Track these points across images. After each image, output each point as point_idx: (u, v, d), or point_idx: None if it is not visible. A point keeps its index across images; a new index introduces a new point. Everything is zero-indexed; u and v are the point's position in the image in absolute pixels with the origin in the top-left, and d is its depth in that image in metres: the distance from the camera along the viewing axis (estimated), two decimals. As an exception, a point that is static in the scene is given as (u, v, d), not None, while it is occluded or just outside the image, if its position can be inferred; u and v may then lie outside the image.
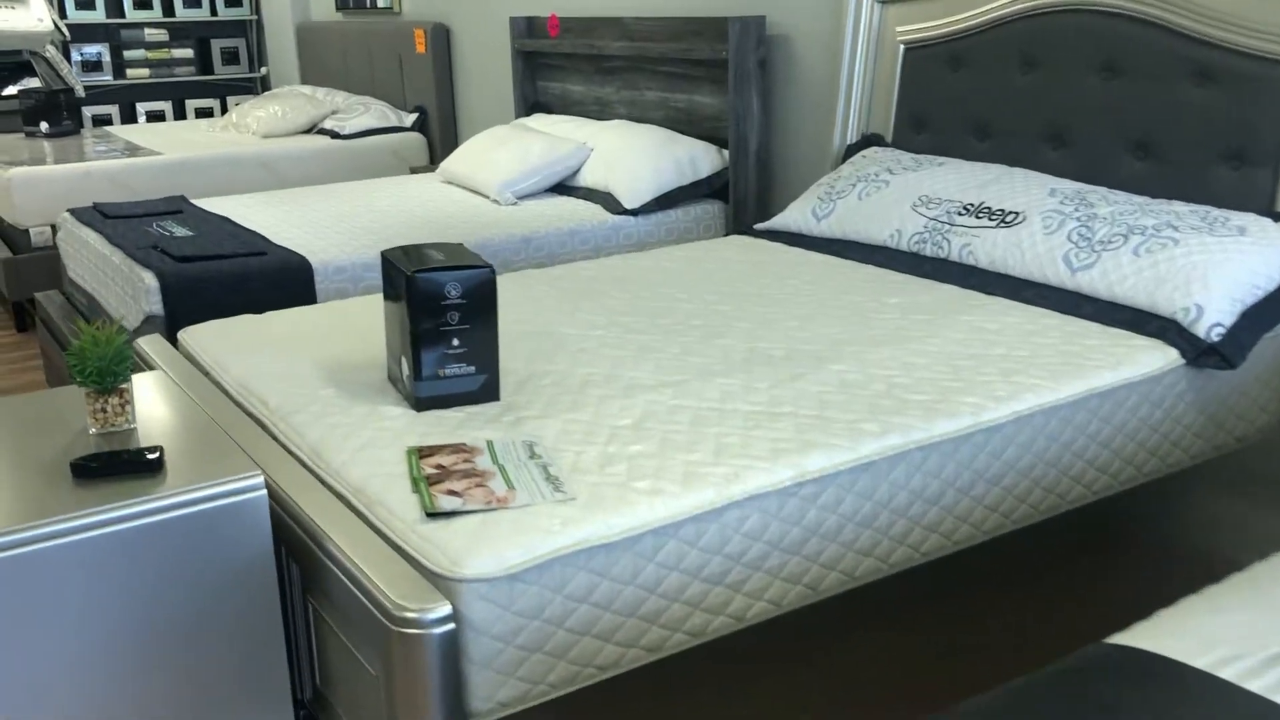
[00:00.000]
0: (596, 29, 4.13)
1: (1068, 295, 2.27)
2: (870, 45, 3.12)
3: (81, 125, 5.74)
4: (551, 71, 4.46)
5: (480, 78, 5.07)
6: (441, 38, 5.21)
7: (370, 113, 5.33)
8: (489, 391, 1.87)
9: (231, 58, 7.16)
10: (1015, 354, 2.01)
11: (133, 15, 6.80)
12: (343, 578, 1.44)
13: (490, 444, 1.68)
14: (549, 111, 4.51)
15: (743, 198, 3.54)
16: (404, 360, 1.86)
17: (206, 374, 2.13)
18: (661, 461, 1.60)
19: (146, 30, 6.87)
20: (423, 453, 1.65)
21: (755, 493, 1.54)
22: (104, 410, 1.64)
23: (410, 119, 5.39)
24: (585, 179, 3.74)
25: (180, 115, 7.08)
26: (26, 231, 4.52)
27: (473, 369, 1.85)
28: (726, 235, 3.63)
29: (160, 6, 6.87)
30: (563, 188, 3.84)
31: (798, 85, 3.46)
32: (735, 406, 1.79)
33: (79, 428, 1.69)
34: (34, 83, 6.17)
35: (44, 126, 5.56)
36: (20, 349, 4.37)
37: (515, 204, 3.67)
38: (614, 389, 1.89)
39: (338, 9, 6.19)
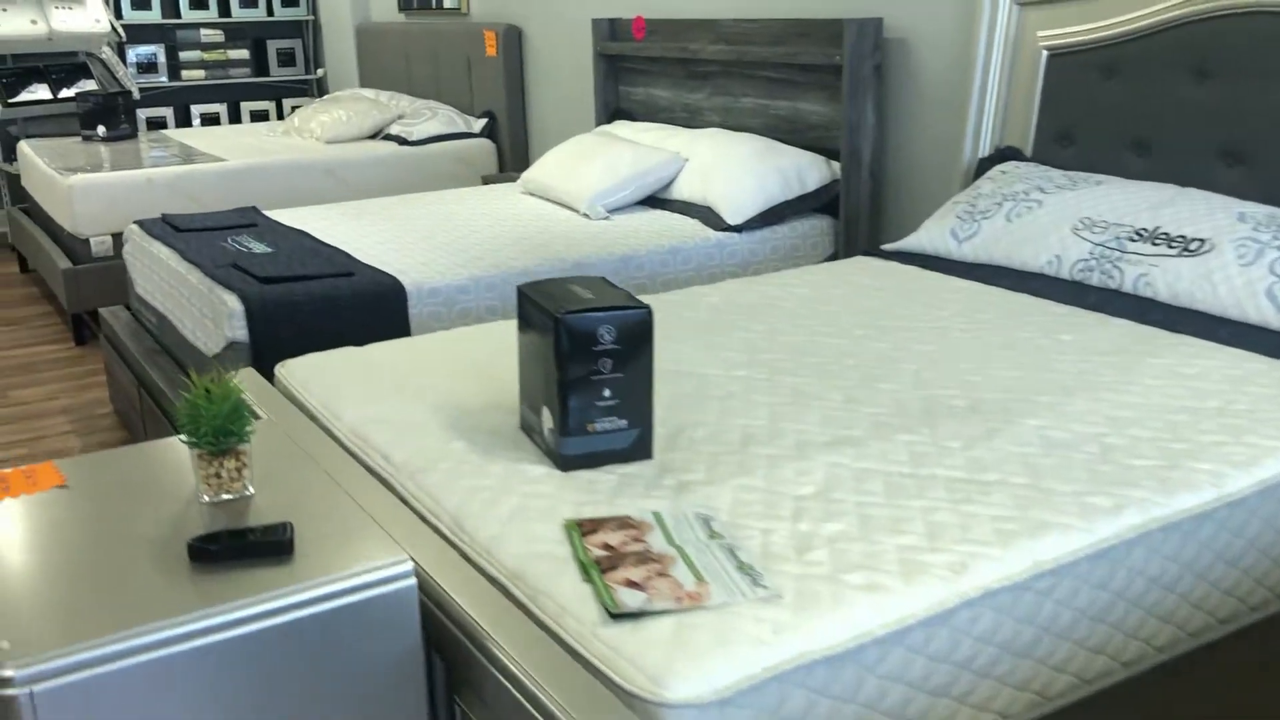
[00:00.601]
0: (687, 31, 3.90)
1: (1273, 335, 2.01)
2: (1007, 51, 2.87)
3: (137, 128, 5.57)
4: (635, 76, 4.23)
5: (554, 82, 4.85)
6: (513, 40, 4.99)
7: (437, 118, 5.13)
8: (641, 449, 1.64)
9: (287, 59, 6.98)
10: (1234, 407, 1.76)
11: (188, 15, 6.64)
12: (509, 687, 1.21)
13: (659, 517, 1.45)
14: (631, 118, 4.28)
15: (854, 213, 3.30)
16: (546, 411, 1.63)
17: (312, 418, 1.92)
18: (869, 546, 1.36)
19: (202, 31, 6.71)
20: (584, 527, 1.42)
21: (990, 588, 1.30)
22: (218, 475, 1.42)
23: (479, 125, 5.18)
24: (679, 191, 3.51)
25: (235, 118, 6.92)
26: (87, 241, 4.35)
27: (624, 423, 1.62)
28: (835, 253, 3.39)
29: (216, 6, 6.71)
30: (654, 201, 3.61)
31: (917, 93, 3.21)
32: (932, 471, 1.55)
33: (186, 493, 1.47)
34: (90, 85, 6.02)
35: (101, 130, 5.40)
36: (81, 363, 4.19)
37: (606, 218, 3.44)
38: (782, 447, 1.65)
39: (400, 9, 6.00)
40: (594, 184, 3.50)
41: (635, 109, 4.26)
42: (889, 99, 3.29)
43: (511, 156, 5.12)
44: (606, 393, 1.60)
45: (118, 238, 4.39)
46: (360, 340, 2.64)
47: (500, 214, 3.54)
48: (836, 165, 3.38)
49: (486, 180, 4.74)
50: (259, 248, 3.05)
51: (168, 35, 6.72)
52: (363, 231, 3.30)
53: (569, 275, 2.92)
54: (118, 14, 6.43)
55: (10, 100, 5.73)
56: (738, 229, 3.24)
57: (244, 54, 6.82)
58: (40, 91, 5.88)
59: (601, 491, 1.54)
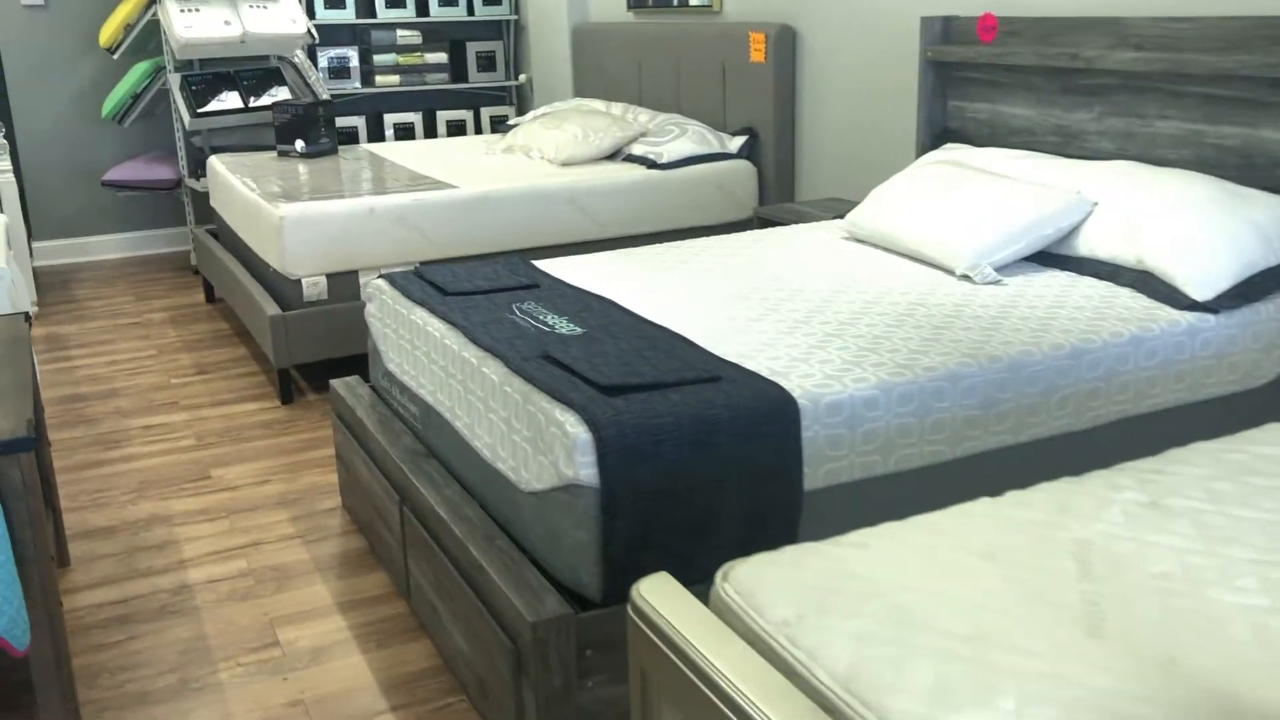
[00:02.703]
0: (1072, 33, 3.00)
1: None
2: None
3: (337, 143, 4.93)
4: (975, 88, 3.35)
5: (839, 94, 4.00)
6: (786, 43, 4.16)
7: (687, 136, 4.33)
8: None
9: (487, 63, 6.30)
10: None
11: (384, 15, 6.00)
12: None
13: None
14: (968, 140, 3.40)
15: (1368, 288, 2.36)
16: None
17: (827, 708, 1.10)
18: None
19: (398, 32, 6.06)
20: None
21: None
22: None
23: (735, 144, 4.36)
24: (1087, 246, 2.63)
25: (430, 128, 6.26)
26: (298, 282, 3.67)
27: None
28: (1329, 341, 2.45)
29: (414, 5, 6.05)
30: (1045, 258, 2.74)
31: None
32: None
33: None
34: (282, 93, 5.41)
35: (299, 145, 4.77)
36: (290, 430, 3.51)
37: (998, 282, 2.58)
38: None
39: (629, 8, 5.22)
40: (975, 235, 2.64)
41: (973, 130, 3.38)
42: None
43: (775, 182, 4.29)
44: None
45: (334, 279, 3.71)
46: (739, 481, 1.84)
47: (843, 273, 2.71)
48: (1332, 218, 2.45)
49: (763, 218, 3.91)
50: (562, 325, 2.28)
51: (361, 37, 6.09)
52: (675, 296, 2.50)
53: (1005, 376, 2.06)
54: (309, 13, 5.82)
55: (200, 110, 5.16)
56: (1209, 308, 2.34)
57: (442, 58, 6.16)
58: (230, 100, 5.29)
59: None
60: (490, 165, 4.41)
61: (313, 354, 3.69)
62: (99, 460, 3.31)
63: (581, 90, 5.64)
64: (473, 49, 6.25)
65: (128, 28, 5.25)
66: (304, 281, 3.68)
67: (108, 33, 5.32)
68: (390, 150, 4.95)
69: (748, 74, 4.31)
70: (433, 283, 2.64)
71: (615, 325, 2.27)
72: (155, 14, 5.23)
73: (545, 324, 2.29)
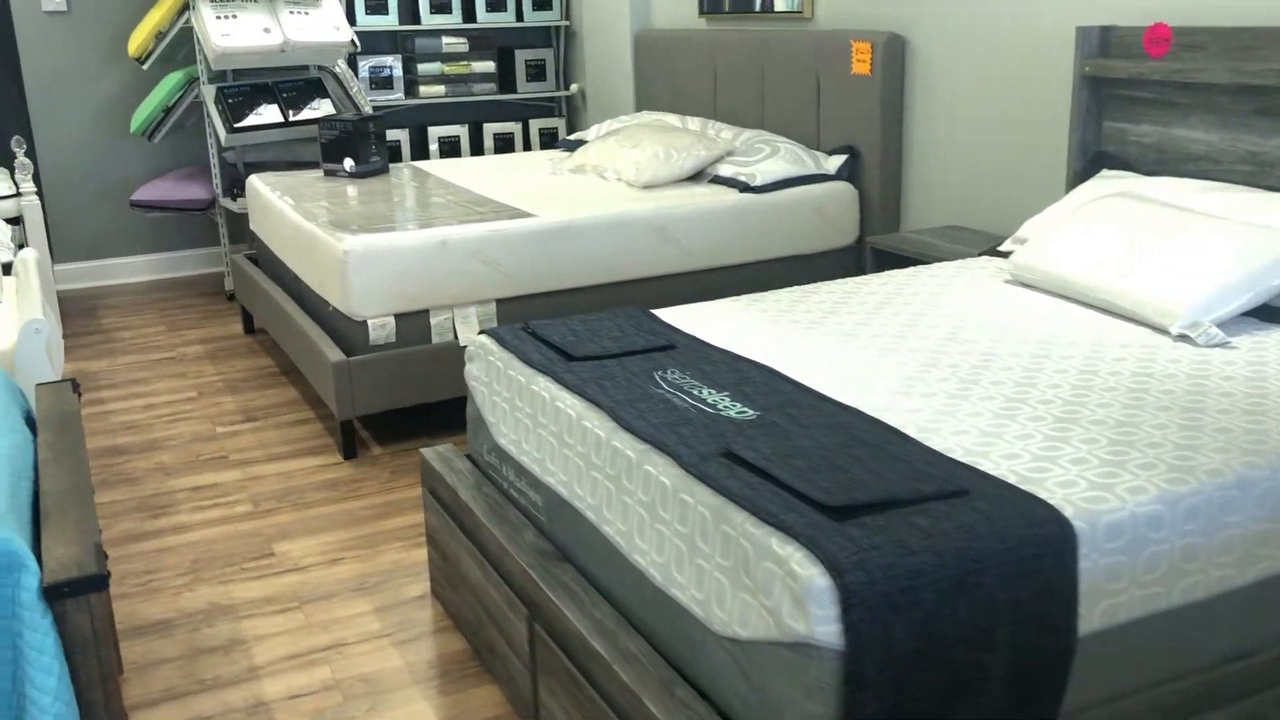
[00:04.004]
0: (1268, 46, 2.60)
1: None
2: None
3: (387, 161, 4.53)
4: (1140, 108, 2.94)
5: (956, 110, 3.59)
6: (895, 53, 3.75)
7: (780, 155, 3.93)
8: None
9: (537, 73, 5.89)
10: None
11: (429, 21, 5.60)
12: None
13: None
14: (1128, 168, 2.99)
15: None
16: None
17: None
18: None
19: (444, 39, 5.66)
20: None
21: None
22: None
23: (832, 164, 3.96)
24: (1320, 300, 2.23)
25: (477, 142, 5.86)
26: (363, 324, 3.27)
27: None
28: None
29: (460, 11, 5.65)
30: (1266, 313, 2.34)
31: None
32: None
33: None
34: (325, 106, 5.01)
35: (349, 164, 4.37)
36: (357, 493, 3.11)
37: (1226, 344, 2.17)
38: None
39: (701, 13, 4.82)
40: (1190, 286, 2.24)
41: (1136, 156, 2.97)
42: None
43: (880, 208, 3.88)
44: None
45: (401, 319, 3.31)
46: (1006, 631, 1.44)
47: (1031, 331, 2.30)
48: None
49: (876, 249, 3.51)
50: (725, 404, 1.87)
51: (404, 44, 5.69)
52: (842, 361, 2.09)
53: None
54: (350, 20, 5.42)
55: (237, 124, 4.75)
56: None
57: (489, 67, 5.75)
58: (269, 114, 4.89)
59: None
60: (561, 187, 4.01)
61: (380, 404, 3.30)
62: (146, 531, 2.91)
63: (644, 103, 5.24)
64: (522, 57, 5.84)
65: (159, 36, 4.85)
66: (370, 323, 3.28)
67: (137, 41, 4.92)
68: (442, 168, 4.55)
69: (848, 87, 3.91)
70: (550, 343, 2.23)
71: (793, 406, 1.87)
72: (189, 21, 4.83)
73: (705, 402, 1.89)
